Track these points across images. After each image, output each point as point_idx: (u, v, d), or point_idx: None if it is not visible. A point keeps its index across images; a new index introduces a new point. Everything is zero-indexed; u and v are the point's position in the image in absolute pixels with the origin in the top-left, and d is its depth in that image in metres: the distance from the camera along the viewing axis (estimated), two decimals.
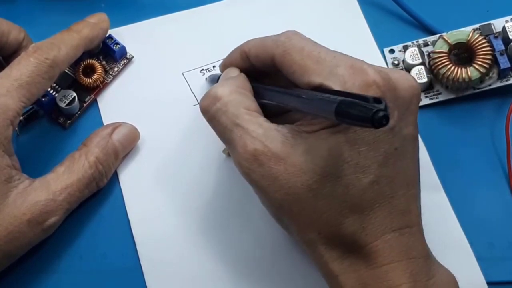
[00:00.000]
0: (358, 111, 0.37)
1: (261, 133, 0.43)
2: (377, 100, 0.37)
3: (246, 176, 0.44)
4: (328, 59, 0.43)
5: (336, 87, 0.42)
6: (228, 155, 0.53)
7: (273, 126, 0.44)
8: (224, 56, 0.56)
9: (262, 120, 0.44)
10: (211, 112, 0.46)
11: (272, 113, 0.46)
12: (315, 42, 0.45)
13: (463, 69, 0.52)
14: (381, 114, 0.35)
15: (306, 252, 0.45)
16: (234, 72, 0.49)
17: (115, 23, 0.56)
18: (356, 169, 0.42)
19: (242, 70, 0.49)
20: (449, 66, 0.53)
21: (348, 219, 0.42)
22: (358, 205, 0.42)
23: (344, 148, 0.42)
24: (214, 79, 0.53)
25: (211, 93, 0.46)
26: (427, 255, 0.43)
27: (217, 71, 0.56)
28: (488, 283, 0.49)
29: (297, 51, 0.44)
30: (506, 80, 0.54)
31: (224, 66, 0.51)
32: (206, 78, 0.56)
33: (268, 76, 0.49)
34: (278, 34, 0.46)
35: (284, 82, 0.46)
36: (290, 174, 0.42)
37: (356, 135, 0.42)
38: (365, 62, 0.43)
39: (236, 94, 0.46)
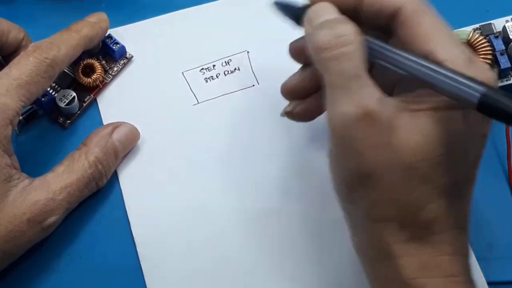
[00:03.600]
0: (507, 106, 0.35)
1: (378, 97, 0.41)
2: None
3: (343, 131, 0.41)
4: (458, 41, 0.41)
5: (462, 70, 0.39)
6: (287, 116, 0.50)
7: (385, 95, 0.41)
8: (224, 55, 0.56)
9: (375, 84, 0.41)
10: (336, 52, 0.41)
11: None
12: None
13: None
14: None
15: (362, 227, 0.43)
16: (331, 12, 0.43)
17: (115, 23, 0.56)
18: (456, 158, 0.41)
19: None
20: None
21: (433, 204, 0.41)
22: (446, 191, 0.41)
23: (452, 134, 0.40)
24: (285, 4, 0.47)
25: (339, 32, 0.42)
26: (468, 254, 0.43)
27: (217, 70, 0.56)
28: (488, 283, 0.49)
29: (430, 16, 0.42)
30: (507, 80, 0.54)
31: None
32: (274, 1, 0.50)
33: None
34: None
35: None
36: (394, 145, 0.40)
37: (467, 128, 0.40)
38: None
39: (362, 48, 0.42)
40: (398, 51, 0.41)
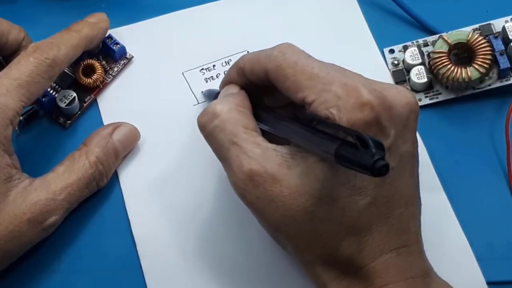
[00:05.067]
0: (358, 157, 0.36)
1: (258, 153, 0.43)
2: (378, 145, 0.37)
3: (241, 197, 0.44)
4: (322, 75, 0.43)
5: (329, 105, 0.41)
6: None
7: (271, 146, 0.43)
8: (224, 55, 0.56)
9: (260, 139, 0.44)
10: (208, 128, 0.45)
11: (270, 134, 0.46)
12: (309, 56, 0.44)
13: (463, 69, 0.52)
14: (381, 163, 0.35)
15: (305, 271, 0.45)
16: (234, 89, 0.48)
17: (115, 23, 0.56)
18: (352, 191, 0.41)
19: (242, 87, 0.48)
20: (449, 66, 0.53)
21: (345, 241, 0.42)
22: (355, 227, 0.42)
23: (340, 170, 0.41)
24: (211, 95, 0.53)
25: (210, 109, 0.45)
26: (425, 274, 0.43)
27: (217, 70, 0.56)
28: (488, 283, 0.49)
29: (290, 66, 0.44)
30: (506, 80, 0.54)
31: (224, 84, 0.50)
32: (202, 92, 0.55)
33: (268, 93, 0.48)
34: (272, 48, 0.45)
35: (283, 98, 0.45)
36: (286, 196, 0.42)
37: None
38: (361, 79, 0.43)
39: (235, 112, 0.45)
40: (270, 119, 0.46)
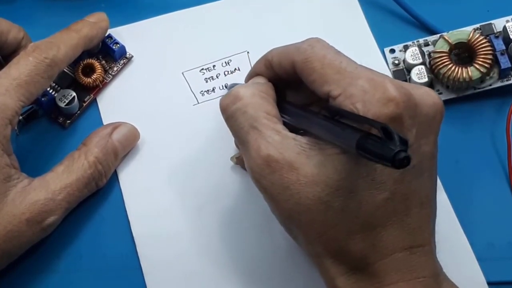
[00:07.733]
0: (379, 149, 0.36)
1: (277, 140, 0.43)
2: (403, 140, 0.36)
3: (256, 182, 0.44)
4: (349, 70, 0.43)
5: (355, 99, 0.41)
6: (236, 162, 0.52)
7: (290, 135, 0.43)
8: (224, 55, 0.56)
9: (280, 127, 0.44)
10: (230, 110, 0.45)
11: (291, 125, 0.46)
12: (337, 51, 0.44)
13: (463, 69, 0.52)
14: (403, 155, 0.35)
15: (313, 264, 0.45)
16: (260, 79, 0.49)
17: (115, 23, 0.56)
18: (371, 185, 0.41)
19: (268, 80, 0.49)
20: (450, 66, 0.53)
21: (358, 235, 0.42)
22: (370, 222, 0.42)
23: (360, 163, 0.41)
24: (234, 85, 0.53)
25: (233, 92, 0.46)
26: (436, 274, 0.43)
27: (217, 70, 0.56)
28: (488, 283, 0.49)
29: (318, 60, 0.44)
30: (507, 80, 0.54)
31: (249, 76, 0.50)
32: (226, 85, 0.55)
33: (293, 88, 0.48)
34: (301, 41, 0.46)
35: (308, 94, 0.45)
36: (301, 184, 0.41)
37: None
38: (388, 77, 0.42)
39: (258, 97, 0.45)
40: (292, 110, 0.46)
